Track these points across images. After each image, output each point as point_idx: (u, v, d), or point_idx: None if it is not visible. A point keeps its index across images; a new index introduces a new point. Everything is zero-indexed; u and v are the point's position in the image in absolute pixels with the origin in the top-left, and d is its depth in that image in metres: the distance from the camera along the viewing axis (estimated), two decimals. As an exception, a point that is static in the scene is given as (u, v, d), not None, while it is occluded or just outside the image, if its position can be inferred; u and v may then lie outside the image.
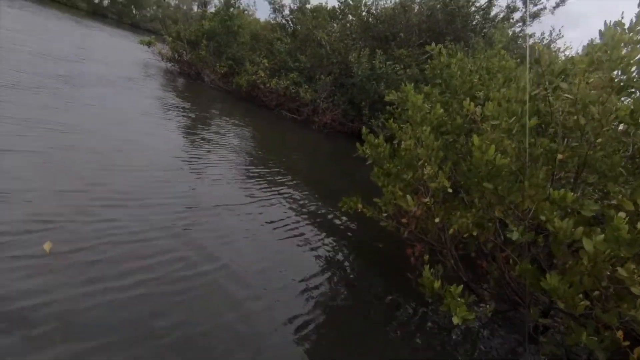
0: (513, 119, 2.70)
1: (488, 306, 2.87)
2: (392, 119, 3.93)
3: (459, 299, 2.36)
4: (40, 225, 2.85)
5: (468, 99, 3.30)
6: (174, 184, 4.61)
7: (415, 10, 15.53)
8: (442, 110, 3.47)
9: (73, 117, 5.74)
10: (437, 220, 2.96)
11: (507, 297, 3.21)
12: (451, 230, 3.06)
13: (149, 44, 17.07)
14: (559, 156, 2.71)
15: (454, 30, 14.29)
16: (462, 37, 14.06)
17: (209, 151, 6.56)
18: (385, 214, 3.32)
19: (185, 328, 2.42)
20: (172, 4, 60.88)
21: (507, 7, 15.07)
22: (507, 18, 15.13)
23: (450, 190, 2.97)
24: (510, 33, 15.01)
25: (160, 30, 22.32)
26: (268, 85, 13.83)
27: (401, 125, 3.95)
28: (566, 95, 2.64)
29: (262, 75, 13.95)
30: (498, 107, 2.64)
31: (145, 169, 4.76)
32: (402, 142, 3.42)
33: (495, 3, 15.17)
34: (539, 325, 3.06)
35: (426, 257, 2.93)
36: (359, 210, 3.32)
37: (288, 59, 15.08)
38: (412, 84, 3.59)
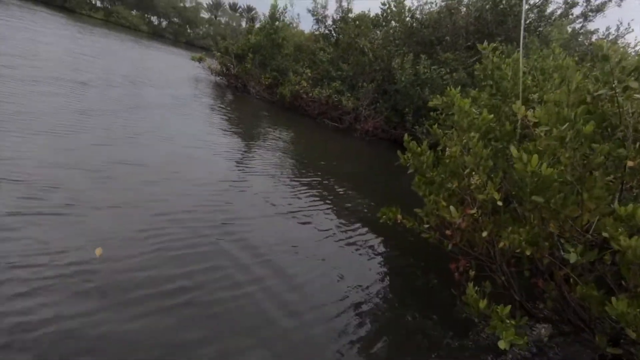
0: (566, 125, 2.44)
1: (544, 330, 2.59)
2: (436, 125, 3.75)
3: (507, 321, 2.15)
4: (93, 236, 3.06)
5: (519, 102, 3.05)
6: (220, 194, 4.77)
7: (463, 13, 14.97)
8: (491, 115, 3.25)
9: (128, 132, 6.20)
10: (484, 234, 2.74)
11: (569, 320, 2.88)
12: (501, 244, 2.82)
13: (199, 59, 18.12)
14: (629, 163, 2.39)
15: (506, 31, 13.54)
16: (515, 37, 13.27)
17: (254, 161, 6.75)
18: (427, 225, 3.15)
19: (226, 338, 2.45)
20: (223, 22, 64.46)
21: (566, 2, 14.00)
22: (565, 14, 14.04)
23: (500, 203, 2.73)
24: (570, 30, 13.92)
25: (211, 47, 23.61)
26: (310, 94, 14.01)
27: (446, 131, 3.76)
28: (637, 95, 2.34)
29: (305, 85, 14.18)
30: (548, 111, 2.39)
31: (192, 181, 4.93)
32: (447, 149, 3.24)
33: (552, -1, 14.21)
34: (607, 355, 2.70)
35: (472, 272, 2.72)
36: (399, 221, 3.18)
37: (330, 68, 15.21)
38: (459, 88, 3.41)
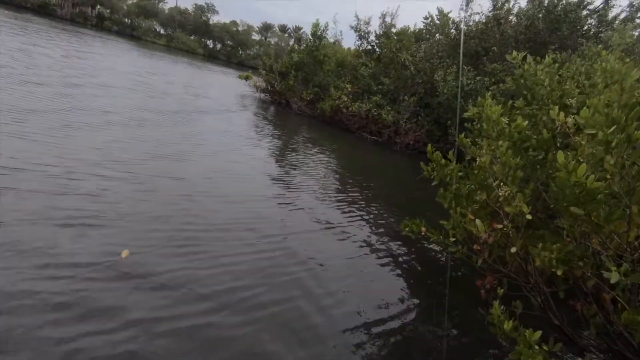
0: (613, 128, 2.21)
1: (585, 360, 2.31)
2: (471, 136, 3.59)
3: (536, 347, 1.94)
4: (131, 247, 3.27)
5: (557, 107, 2.83)
6: (261, 208, 4.80)
7: (512, 22, 14.35)
8: (525, 123, 3.04)
9: (175, 145, 6.64)
10: (513, 250, 2.53)
11: (618, 351, 2.54)
12: (537, 262, 2.59)
13: (246, 78, 19.11)
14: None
15: (560, 38, 12.74)
16: (570, 44, 12.42)
17: (294, 174, 6.84)
18: (453, 239, 2.98)
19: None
20: (272, 42, 67.62)
21: (630, 5, 12.88)
22: (630, 19, 12.89)
23: (529, 217, 2.52)
24: (636, 34, 12.73)
25: (259, 66, 24.83)
26: (350, 108, 14.10)
27: (476, 141, 3.58)
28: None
29: (345, 99, 14.32)
30: (595, 112, 2.18)
31: (235, 195, 5.01)
32: (477, 159, 3.08)
33: (614, 3, 13.16)
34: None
35: (500, 290, 2.52)
36: (423, 234, 3.04)
37: (371, 82, 15.24)
38: (508, 99, 3.26)
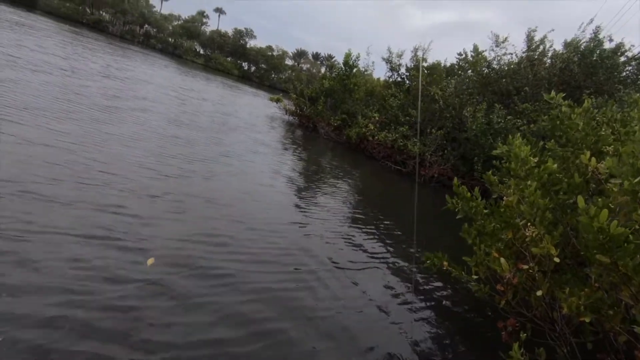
0: (639, 179, 2.17)
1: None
2: (499, 174, 3.58)
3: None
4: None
5: (589, 152, 2.81)
6: (283, 235, 4.73)
7: (546, 64, 14.32)
8: (555, 165, 3.01)
9: (203, 163, 6.90)
10: (539, 293, 2.46)
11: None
12: (565, 309, 2.49)
13: (277, 100, 19.73)
14: None
15: (596, 83, 12.55)
16: (607, 89, 12.20)
17: (316, 201, 6.83)
18: (476, 277, 2.92)
19: None
20: (304, 68, 69.92)
21: (672, 54, 12.60)
22: (675, 65, 12.58)
23: (557, 260, 2.46)
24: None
25: (289, 90, 25.66)
26: (376, 137, 14.24)
27: (504, 179, 3.56)
28: None
29: (372, 128, 14.49)
30: (620, 162, 2.17)
31: (259, 220, 4.93)
32: (504, 198, 3.06)
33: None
34: None
35: (523, 335, 2.43)
36: (444, 269, 2.99)
37: (399, 113, 15.41)
38: (538, 139, 3.26)
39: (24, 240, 2.90)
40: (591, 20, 13.35)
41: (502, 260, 2.56)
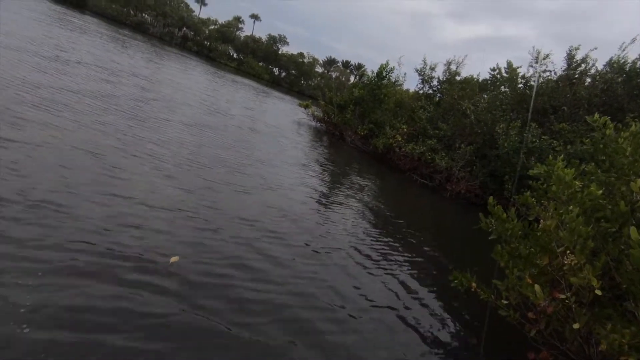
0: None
1: None
2: (535, 196, 3.43)
3: None
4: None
5: (639, 180, 2.64)
6: (303, 258, 4.36)
7: (587, 83, 13.72)
8: (600, 191, 2.85)
9: (229, 175, 7.02)
10: (576, 326, 2.31)
11: None
12: (602, 346, 2.33)
13: (306, 106, 19.91)
14: None
15: (640, 106, 11.88)
16: (653, 113, 11.52)
17: (341, 214, 6.68)
18: (506, 302, 2.78)
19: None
20: (334, 76, 70.34)
21: None
22: None
23: (599, 292, 2.31)
24: None
25: (318, 97, 25.82)
26: (403, 149, 14.05)
27: (542, 201, 3.40)
28: None
29: (400, 139, 14.33)
30: None
31: (280, 233, 4.71)
32: (542, 221, 2.92)
33: None
34: None
35: (556, 369, 2.29)
36: (473, 290, 2.88)
37: (428, 126, 15.17)
38: (577, 162, 3.12)
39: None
40: (633, 40, 12.71)
41: (537, 287, 2.43)
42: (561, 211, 2.74)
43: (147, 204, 4.03)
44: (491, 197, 3.00)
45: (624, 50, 12.88)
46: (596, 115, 3.25)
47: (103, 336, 2.21)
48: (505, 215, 2.87)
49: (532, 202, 3.27)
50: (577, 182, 2.72)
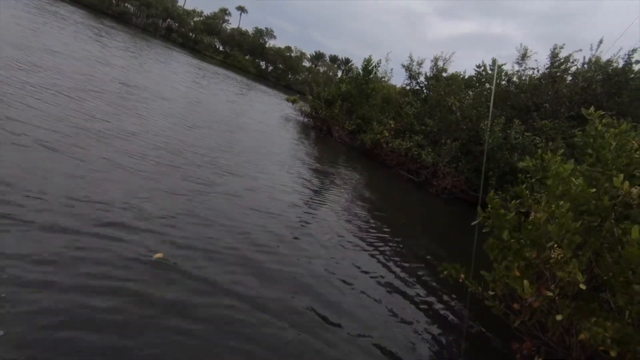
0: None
1: None
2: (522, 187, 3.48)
3: None
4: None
5: (621, 176, 2.71)
6: (285, 247, 4.36)
7: (568, 81, 14.07)
8: (593, 190, 2.90)
9: (215, 177, 6.91)
10: (559, 317, 2.38)
11: None
12: (582, 336, 2.41)
13: (293, 101, 19.80)
14: None
15: (619, 105, 12.26)
16: (630, 112, 11.92)
17: (326, 205, 6.79)
18: (492, 293, 2.84)
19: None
20: (321, 71, 70.08)
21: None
22: None
23: (583, 287, 2.36)
24: None
25: (306, 92, 25.70)
26: (390, 144, 14.15)
27: (535, 194, 3.45)
28: None
29: (387, 134, 14.41)
30: None
31: (265, 224, 4.69)
32: (532, 214, 2.96)
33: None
34: None
35: (537, 358, 2.35)
36: (460, 281, 2.92)
37: (415, 121, 15.29)
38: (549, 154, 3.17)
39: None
40: (600, 41, 13.27)
41: (526, 282, 2.48)
42: (552, 205, 2.79)
43: (126, 207, 3.85)
44: (492, 192, 3.03)
45: (597, 50, 13.37)
46: (592, 109, 3.31)
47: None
48: (503, 210, 2.89)
49: (526, 195, 3.32)
50: (574, 180, 2.77)
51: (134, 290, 2.62)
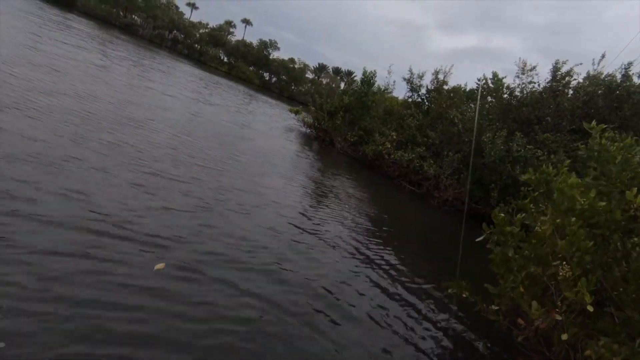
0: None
1: None
2: (522, 202, 3.46)
3: None
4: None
5: (635, 189, 2.68)
6: (291, 260, 4.35)
7: (569, 95, 14.12)
8: (604, 203, 2.85)
9: (218, 172, 6.92)
10: (564, 337, 2.32)
11: None
12: (587, 352, 2.35)
13: (296, 112, 19.93)
14: None
15: (621, 118, 12.28)
16: (632, 125, 11.92)
17: (329, 216, 6.76)
18: (496, 307, 2.79)
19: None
20: (324, 82, 70.70)
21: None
22: None
23: (590, 308, 2.30)
24: None
25: (308, 103, 25.88)
26: (392, 156, 14.16)
27: (540, 206, 3.41)
28: None
29: (389, 146, 14.44)
30: None
31: (265, 238, 4.64)
32: (537, 227, 2.92)
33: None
34: None
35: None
36: (464, 296, 2.88)
37: (417, 133, 15.34)
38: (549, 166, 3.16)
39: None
40: (603, 56, 13.38)
41: (535, 304, 2.42)
42: (557, 220, 2.76)
43: (127, 222, 3.85)
44: (497, 209, 2.99)
45: (599, 64, 13.46)
46: (593, 123, 3.30)
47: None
48: (508, 228, 2.85)
49: (529, 208, 3.29)
50: (580, 199, 2.74)
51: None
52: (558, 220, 2.52)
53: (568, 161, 2.95)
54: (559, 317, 2.50)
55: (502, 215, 2.78)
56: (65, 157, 4.50)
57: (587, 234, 2.66)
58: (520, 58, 16.30)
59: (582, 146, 3.35)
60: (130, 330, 2.35)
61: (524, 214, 3.00)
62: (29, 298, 2.27)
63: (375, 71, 18.10)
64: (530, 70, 14.45)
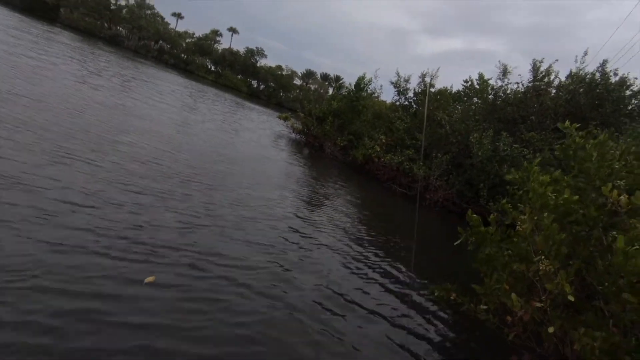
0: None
1: None
2: (511, 200, 3.53)
3: None
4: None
5: (610, 185, 2.77)
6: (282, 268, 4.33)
7: (552, 94, 14.45)
8: (576, 197, 2.94)
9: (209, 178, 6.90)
10: (551, 330, 2.38)
11: None
12: (576, 345, 2.40)
13: (285, 118, 19.97)
14: None
15: (602, 115, 12.60)
16: (613, 122, 12.24)
17: (320, 221, 6.83)
18: (484, 307, 2.83)
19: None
20: (312, 88, 70.99)
21: (678, 89, 12.68)
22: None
23: (571, 298, 2.37)
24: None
25: (297, 109, 25.94)
26: (382, 159, 14.27)
27: (519, 205, 3.50)
28: None
29: (378, 149, 14.55)
30: None
31: (254, 245, 4.65)
32: (518, 226, 3.00)
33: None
34: None
35: (535, 372, 2.33)
36: (452, 298, 2.91)
37: (405, 136, 15.50)
38: (547, 169, 3.24)
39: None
40: (585, 53, 13.71)
41: (514, 295, 2.49)
42: (535, 217, 2.83)
43: (117, 239, 3.85)
44: (470, 211, 3.05)
45: (582, 62, 13.78)
46: (567, 122, 3.39)
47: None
48: (483, 227, 2.91)
49: (508, 208, 3.37)
50: (550, 193, 2.81)
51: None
52: (535, 218, 2.58)
53: (539, 159, 3.02)
54: (538, 305, 2.55)
55: (476, 216, 2.85)
56: (40, 177, 4.45)
57: (565, 229, 2.72)
58: (500, 61, 16.69)
59: (558, 147, 3.44)
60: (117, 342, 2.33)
61: (496, 214, 3.07)
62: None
63: (371, 79, 18.27)
64: (510, 72, 14.81)
